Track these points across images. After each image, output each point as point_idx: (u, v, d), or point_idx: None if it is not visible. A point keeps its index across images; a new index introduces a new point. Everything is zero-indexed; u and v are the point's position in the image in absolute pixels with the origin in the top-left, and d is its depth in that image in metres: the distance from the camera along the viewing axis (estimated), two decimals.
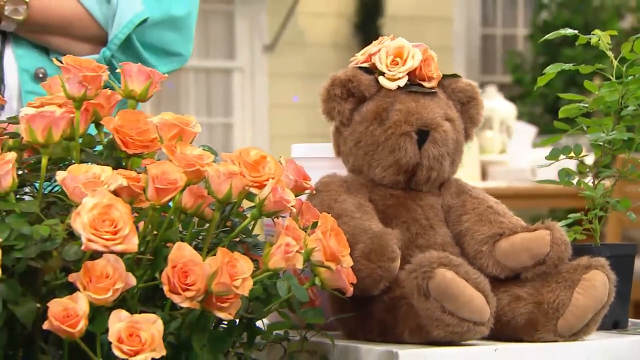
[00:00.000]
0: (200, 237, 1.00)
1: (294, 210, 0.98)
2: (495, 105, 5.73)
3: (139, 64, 1.06)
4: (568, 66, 1.36)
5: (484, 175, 5.32)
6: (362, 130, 1.18)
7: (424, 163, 1.16)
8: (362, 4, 7.83)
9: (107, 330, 0.87)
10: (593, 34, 1.38)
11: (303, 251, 0.95)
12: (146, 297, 0.96)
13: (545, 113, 7.83)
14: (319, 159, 1.26)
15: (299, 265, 0.94)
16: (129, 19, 1.44)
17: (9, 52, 1.42)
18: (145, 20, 1.46)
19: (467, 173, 5.27)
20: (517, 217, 1.18)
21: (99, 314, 0.87)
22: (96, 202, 0.87)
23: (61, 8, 1.45)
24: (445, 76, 1.23)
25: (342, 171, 1.22)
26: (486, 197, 1.20)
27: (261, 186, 0.97)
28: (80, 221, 0.87)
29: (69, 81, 0.98)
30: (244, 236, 1.03)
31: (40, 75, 1.42)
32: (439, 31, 8.19)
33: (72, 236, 0.90)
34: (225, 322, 0.99)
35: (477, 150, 5.31)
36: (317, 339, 1.05)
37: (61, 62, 1.35)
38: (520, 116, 6.27)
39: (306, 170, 1.25)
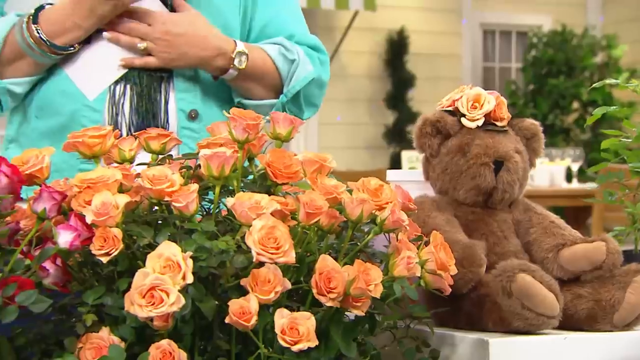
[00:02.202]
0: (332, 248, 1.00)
1: (407, 228, 0.99)
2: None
3: (284, 113, 1.07)
4: (611, 109, 1.34)
5: None
6: (448, 160, 1.18)
7: (499, 187, 1.15)
8: (391, 44, 7.83)
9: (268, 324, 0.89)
10: (632, 82, 1.33)
11: (418, 261, 0.95)
12: (288, 296, 0.97)
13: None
14: (410, 182, 1.26)
15: (418, 273, 0.95)
16: (303, 77, 1.47)
17: (172, 97, 1.41)
18: (312, 80, 1.48)
19: None
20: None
21: (262, 311, 0.88)
22: (263, 224, 0.88)
23: (262, 62, 1.45)
24: (513, 117, 1.23)
25: (430, 192, 1.22)
26: (548, 213, 1.19)
27: (381, 209, 0.97)
28: (251, 239, 0.87)
29: (235, 128, 0.99)
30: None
31: (193, 115, 1.42)
32: (451, 65, 8.17)
33: (240, 248, 0.92)
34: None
35: None
36: (419, 327, 1.05)
37: (242, 106, 1.40)
38: None
39: (402, 188, 1.26)
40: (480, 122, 1.18)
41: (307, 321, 0.87)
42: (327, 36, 7.63)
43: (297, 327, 0.87)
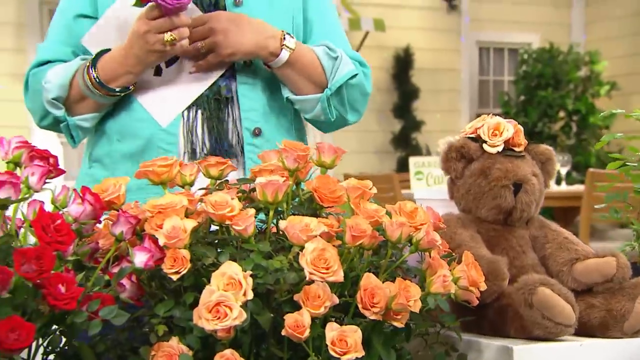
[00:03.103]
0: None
1: (441, 247, 0.98)
2: None
3: (329, 143, 1.06)
4: (619, 135, 1.32)
5: None
6: (472, 182, 1.17)
7: (518, 207, 1.15)
8: (397, 60, 7.79)
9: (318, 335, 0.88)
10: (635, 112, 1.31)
11: (452, 278, 0.95)
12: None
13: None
14: (436, 200, 1.25)
15: (452, 290, 0.94)
16: (346, 72, 1.42)
17: (238, 117, 1.40)
18: (354, 76, 1.44)
19: None
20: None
21: (313, 322, 0.88)
22: (315, 247, 0.88)
23: (309, 55, 1.41)
24: (529, 143, 1.22)
25: (454, 209, 1.21)
26: (562, 230, 1.18)
27: (416, 229, 0.97)
28: (304, 260, 0.87)
29: (286, 158, 0.98)
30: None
31: (257, 132, 1.40)
32: (450, 79, 8.14)
33: (292, 266, 0.91)
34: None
35: None
36: (447, 333, 1.04)
37: (290, 102, 1.42)
38: None
39: (428, 206, 1.25)
40: (500, 148, 1.17)
41: (354, 334, 0.87)
42: None
43: (346, 339, 0.86)
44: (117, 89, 1.34)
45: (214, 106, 1.38)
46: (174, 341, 0.88)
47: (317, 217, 0.98)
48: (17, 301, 0.79)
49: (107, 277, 0.90)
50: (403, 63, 7.76)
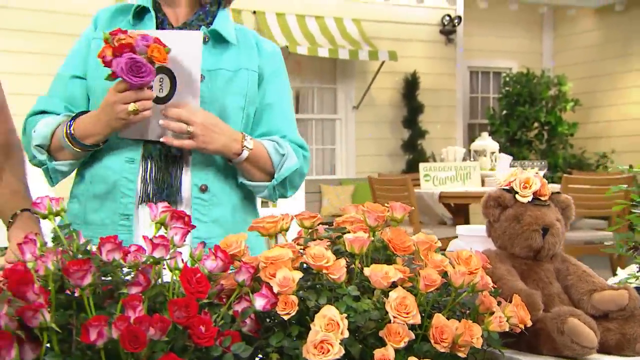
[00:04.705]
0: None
1: (491, 287, 0.95)
2: (489, 143, 5.60)
3: (399, 203, 1.03)
4: (623, 187, 1.27)
5: (483, 183, 5.19)
6: (507, 225, 1.13)
7: (545, 247, 1.11)
8: (406, 82, 7.74)
9: None
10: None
11: (506, 319, 0.92)
12: None
13: (506, 142, 7.70)
14: (476, 237, 1.22)
15: (506, 328, 0.91)
16: (289, 167, 1.39)
17: (187, 173, 1.33)
18: (296, 170, 1.41)
19: (474, 182, 5.16)
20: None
21: (396, 354, 0.86)
22: (397, 295, 0.85)
23: (262, 151, 1.36)
24: (553, 193, 1.18)
25: (490, 244, 1.18)
26: (580, 263, 1.14)
27: (471, 273, 0.94)
28: (389, 305, 0.85)
29: (368, 217, 0.96)
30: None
31: (203, 188, 1.33)
32: (448, 96, 8.07)
33: (375, 306, 0.89)
34: None
35: (479, 168, 5.20)
36: (492, 349, 1.01)
37: (244, 186, 1.37)
38: None
39: (467, 242, 1.22)
40: (530, 198, 1.13)
41: None
42: (363, 77, 7.58)
43: None
44: (88, 144, 1.28)
45: (164, 161, 1.31)
46: None
47: (390, 262, 0.96)
48: (171, 341, 0.78)
49: (230, 313, 0.89)
50: (411, 84, 7.70)
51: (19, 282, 0.74)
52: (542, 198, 1.15)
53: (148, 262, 0.84)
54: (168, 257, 0.84)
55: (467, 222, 5.05)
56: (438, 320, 0.87)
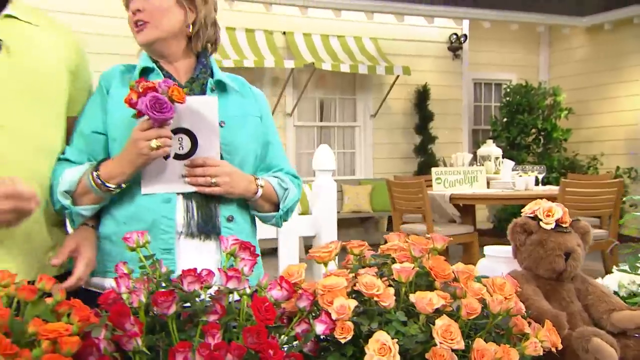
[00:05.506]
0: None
1: (524, 311, 0.93)
2: (493, 149, 5.53)
3: (439, 234, 1.01)
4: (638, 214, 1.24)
5: (488, 185, 5.13)
6: (532, 249, 1.11)
7: (568, 270, 1.09)
8: (418, 93, 7.66)
9: None
10: None
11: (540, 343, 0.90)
12: None
13: (507, 146, 7.60)
14: (503, 258, 1.20)
15: (540, 353, 0.89)
16: (292, 198, 1.41)
17: (218, 206, 1.31)
18: (297, 200, 1.43)
19: (480, 185, 5.09)
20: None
21: None
22: (443, 323, 0.84)
23: (269, 187, 1.37)
24: (573, 220, 1.15)
25: (517, 265, 1.16)
26: (598, 283, 1.11)
27: (506, 299, 0.92)
28: (436, 332, 0.83)
29: (413, 248, 0.95)
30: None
31: (230, 219, 1.32)
32: (455, 105, 7.98)
33: (421, 330, 0.87)
34: None
35: (484, 172, 5.14)
36: None
37: (256, 216, 1.38)
38: None
39: (493, 262, 1.20)
40: (552, 225, 1.11)
41: None
42: (379, 89, 7.52)
43: None
44: (112, 186, 1.25)
45: (204, 199, 1.29)
46: None
47: (431, 286, 0.95)
48: None
49: (292, 333, 0.88)
50: (422, 95, 7.62)
51: (119, 314, 0.75)
52: (564, 225, 1.13)
53: (223, 293, 0.83)
54: (241, 288, 0.84)
55: (473, 220, 5.00)
56: (479, 344, 0.86)
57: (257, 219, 1.45)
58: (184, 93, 1.20)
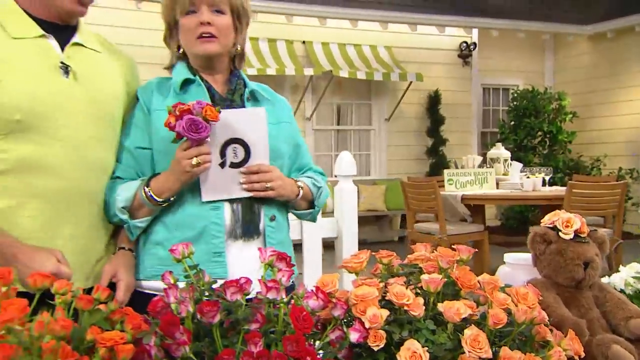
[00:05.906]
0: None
1: (546, 320, 0.91)
2: (502, 152, 5.46)
3: (464, 245, 1.00)
4: None
5: (497, 186, 5.06)
6: (551, 259, 1.09)
7: (586, 278, 1.06)
8: (430, 98, 7.61)
9: None
10: None
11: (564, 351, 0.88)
12: None
13: (514, 148, 7.51)
14: (522, 265, 1.18)
15: None
16: (324, 195, 1.45)
17: (261, 208, 1.33)
18: (327, 196, 1.47)
19: (490, 186, 5.04)
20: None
21: None
22: (472, 333, 0.83)
23: (306, 188, 1.40)
24: (590, 230, 1.13)
25: (535, 272, 1.13)
26: (614, 291, 1.09)
27: (530, 308, 0.90)
28: (464, 341, 0.82)
29: (441, 260, 0.93)
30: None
31: (272, 218, 1.33)
32: (465, 110, 7.91)
33: (449, 338, 0.86)
34: None
35: (494, 174, 5.08)
36: None
37: (293, 214, 1.38)
38: None
39: (516, 269, 1.17)
40: (571, 235, 1.09)
41: None
42: (393, 95, 7.49)
43: None
44: (161, 200, 1.26)
45: (248, 202, 1.31)
46: None
47: (457, 295, 0.93)
48: None
49: (327, 340, 0.87)
50: (434, 100, 7.57)
51: (169, 324, 0.75)
52: (582, 235, 1.10)
53: (263, 303, 0.83)
54: (280, 298, 0.83)
55: (483, 219, 4.95)
56: (505, 353, 0.84)
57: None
58: (217, 111, 1.21)
